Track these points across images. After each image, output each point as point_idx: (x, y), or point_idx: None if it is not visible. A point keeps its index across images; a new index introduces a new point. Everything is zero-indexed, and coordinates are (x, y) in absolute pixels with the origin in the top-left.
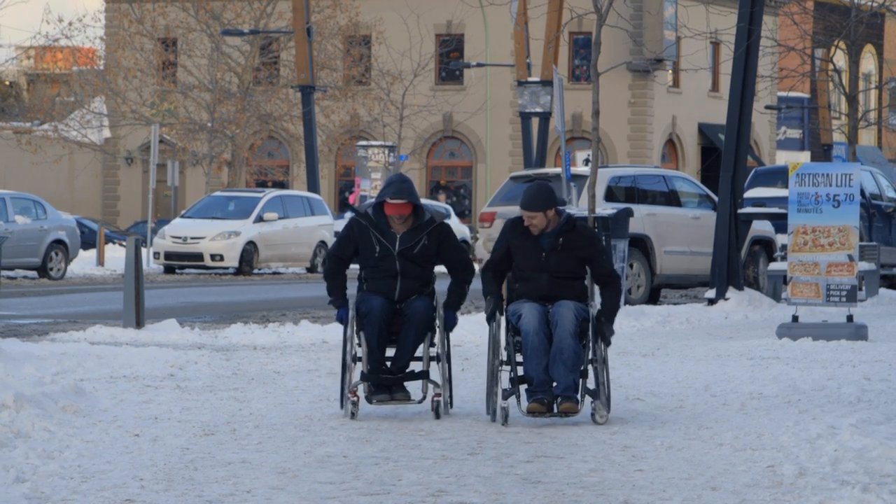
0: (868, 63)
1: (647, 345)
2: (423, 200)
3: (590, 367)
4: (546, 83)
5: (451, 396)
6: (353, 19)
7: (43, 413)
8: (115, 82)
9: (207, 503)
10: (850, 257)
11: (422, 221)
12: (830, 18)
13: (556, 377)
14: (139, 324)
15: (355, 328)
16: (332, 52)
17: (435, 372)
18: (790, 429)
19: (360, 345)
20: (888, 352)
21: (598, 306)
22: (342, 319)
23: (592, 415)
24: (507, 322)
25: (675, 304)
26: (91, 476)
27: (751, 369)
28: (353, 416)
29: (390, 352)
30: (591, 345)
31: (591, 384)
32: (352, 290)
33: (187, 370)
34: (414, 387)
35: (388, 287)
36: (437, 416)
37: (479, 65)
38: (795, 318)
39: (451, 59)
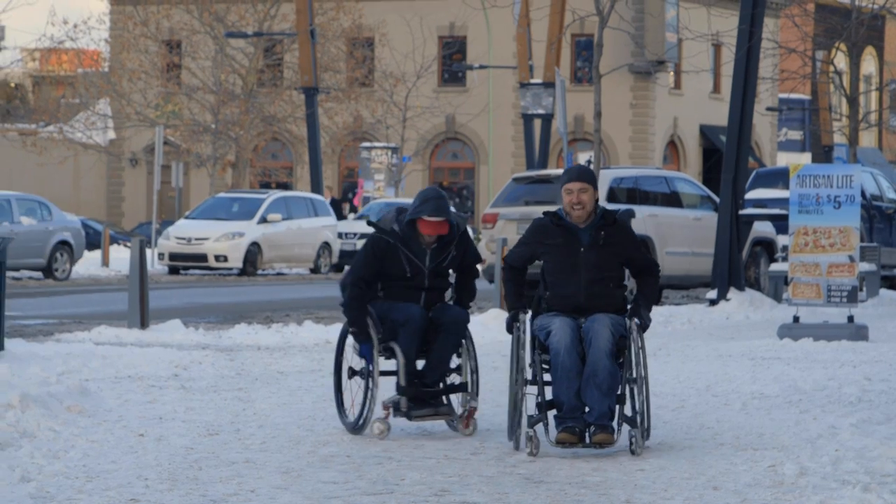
0: (869, 65)
1: (649, 345)
2: None
3: (628, 389)
4: (548, 85)
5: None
6: (357, 21)
7: (48, 413)
8: (119, 84)
9: (212, 503)
10: (851, 258)
11: (452, 235)
12: (831, 20)
13: (589, 402)
14: (144, 324)
15: (379, 337)
16: (335, 54)
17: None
18: (791, 429)
19: (387, 357)
20: (889, 352)
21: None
22: (365, 356)
23: (631, 447)
24: (534, 338)
25: (676, 304)
26: (96, 476)
27: (752, 369)
28: (382, 435)
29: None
30: (630, 363)
31: (627, 410)
32: None
33: (191, 370)
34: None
35: (413, 299)
36: (473, 432)
37: (481, 67)
38: (796, 319)
39: (453, 61)
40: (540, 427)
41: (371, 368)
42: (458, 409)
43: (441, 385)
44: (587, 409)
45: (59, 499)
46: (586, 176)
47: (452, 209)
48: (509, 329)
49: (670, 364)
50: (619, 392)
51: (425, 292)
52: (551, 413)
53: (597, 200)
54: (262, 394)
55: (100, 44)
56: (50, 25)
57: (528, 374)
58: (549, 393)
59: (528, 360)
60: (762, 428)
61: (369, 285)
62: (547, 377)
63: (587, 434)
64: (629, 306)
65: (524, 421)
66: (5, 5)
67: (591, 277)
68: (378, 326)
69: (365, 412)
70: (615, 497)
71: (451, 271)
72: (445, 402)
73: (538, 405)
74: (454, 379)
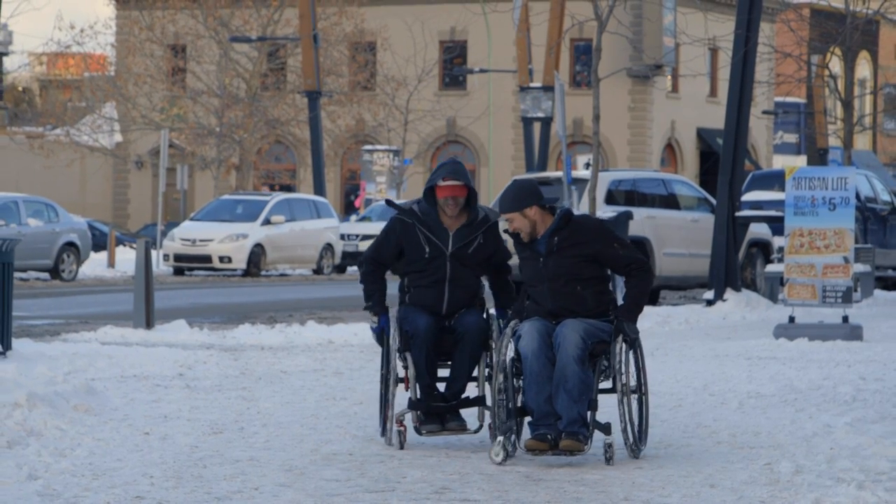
0: (863, 69)
1: (647, 345)
2: None
3: (625, 399)
4: (548, 89)
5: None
6: (359, 26)
7: (55, 412)
8: (125, 88)
9: (216, 500)
10: (846, 259)
11: (476, 217)
12: (826, 25)
13: (558, 409)
14: (149, 324)
15: (398, 347)
16: (337, 58)
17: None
18: (787, 427)
19: (405, 367)
20: (883, 352)
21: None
22: (379, 331)
23: (607, 456)
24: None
25: (673, 305)
26: (102, 473)
27: (748, 369)
28: (401, 446)
29: (443, 372)
30: (617, 366)
31: (602, 416)
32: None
33: (196, 370)
34: (469, 414)
35: (435, 297)
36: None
37: (481, 71)
38: (792, 319)
39: (454, 66)
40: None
41: (392, 347)
42: (478, 423)
43: (461, 399)
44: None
45: (66, 496)
46: (508, 206)
47: (486, 205)
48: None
49: (668, 364)
50: (592, 398)
51: (448, 287)
52: (527, 419)
53: (549, 209)
54: (266, 393)
55: (106, 48)
56: (57, 30)
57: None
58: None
59: (507, 364)
60: (758, 426)
61: (382, 266)
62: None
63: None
64: (613, 318)
65: (496, 426)
66: (13, 10)
67: (555, 284)
68: (397, 333)
69: (390, 413)
70: (614, 494)
71: (483, 277)
72: (458, 416)
73: (508, 412)
74: (471, 392)
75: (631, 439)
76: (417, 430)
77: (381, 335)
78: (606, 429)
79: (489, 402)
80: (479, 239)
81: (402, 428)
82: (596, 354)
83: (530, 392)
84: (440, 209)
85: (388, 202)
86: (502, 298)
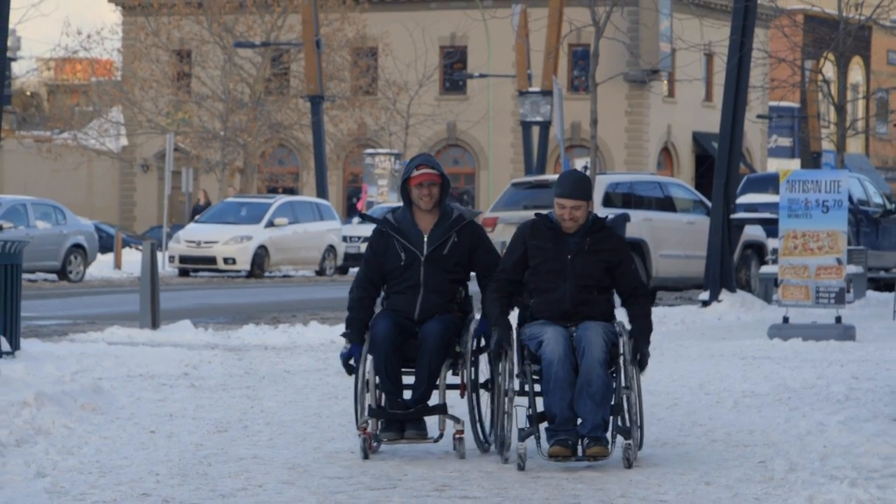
0: (856, 74)
1: None
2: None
3: (623, 398)
4: (546, 93)
5: (485, 434)
6: (361, 32)
7: (63, 410)
8: (131, 92)
9: (221, 497)
10: (839, 261)
11: (449, 214)
12: (819, 31)
13: (582, 414)
14: (155, 325)
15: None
16: (340, 63)
17: (462, 404)
18: (781, 426)
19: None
20: (875, 352)
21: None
22: (347, 358)
23: (626, 458)
24: (522, 347)
25: (670, 305)
26: (109, 471)
27: (743, 368)
28: (365, 456)
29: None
30: (624, 371)
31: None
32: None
33: (201, 369)
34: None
35: (408, 303)
36: (462, 455)
37: (481, 76)
38: (786, 320)
39: (454, 70)
40: (531, 440)
41: (358, 371)
42: (439, 431)
43: (419, 406)
44: (580, 421)
45: (73, 493)
46: (580, 192)
47: (464, 206)
48: (497, 352)
49: (664, 363)
50: (612, 402)
51: (422, 293)
52: (542, 425)
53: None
54: (270, 392)
55: (112, 53)
56: (64, 36)
57: (516, 385)
58: (539, 404)
59: (515, 370)
60: (753, 425)
61: (374, 287)
62: (537, 388)
63: (580, 446)
64: (629, 339)
65: (514, 434)
66: (21, 16)
67: (578, 284)
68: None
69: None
70: (611, 492)
71: (461, 287)
72: (418, 424)
73: (529, 417)
74: (437, 399)
75: (636, 435)
76: (377, 438)
77: (346, 362)
78: (627, 432)
79: (460, 408)
80: (453, 238)
81: (366, 435)
82: (612, 357)
83: (554, 397)
84: (415, 205)
85: (362, 216)
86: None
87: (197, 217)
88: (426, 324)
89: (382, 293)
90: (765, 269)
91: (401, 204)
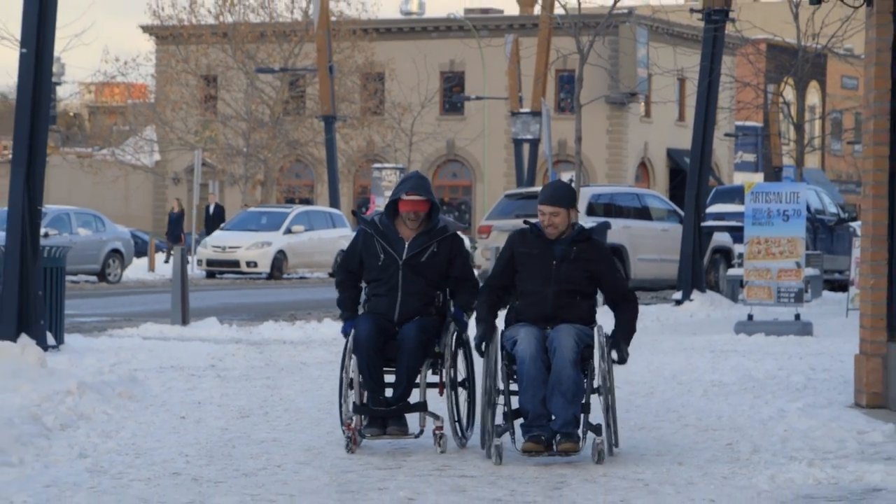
0: (813, 97)
1: None
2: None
3: (595, 396)
4: (536, 114)
5: (462, 429)
6: (369, 59)
7: (102, 398)
8: (164, 113)
9: (244, 476)
10: (798, 264)
11: (434, 226)
12: (781, 58)
13: (554, 411)
14: (185, 321)
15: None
16: (350, 86)
17: (442, 401)
18: (746, 412)
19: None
20: (830, 346)
21: (603, 329)
22: (347, 332)
23: (597, 453)
24: (502, 348)
25: (646, 304)
26: (143, 452)
27: (712, 361)
28: (350, 451)
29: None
30: (597, 371)
31: (593, 418)
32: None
33: (226, 361)
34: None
35: (388, 305)
36: (442, 450)
37: (477, 98)
38: (751, 317)
39: (453, 93)
40: (507, 436)
41: (346, 359)
42: (419, 427)
43: (400, 404)
44: (553, 418)
45: (112, 472)
46: (558, 200)
47: (450, 218)
48: (479, 347)
49: (641, 356)
50: (584, 400)
51: (400, 296)
52: (518, 421)
53: (573, 220)
54: (288, 382)
55: (147, 78)
56: (104, 62)
57: (500, 385)
58: (515, 402)
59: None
60: (721, 411)
61: (353, 273)
62: (514, 386)
63: (553, 442)
64: (608, 339)
65: (492, 430)
66: (65, 45)
67: (560, 290)
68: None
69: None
70: (594, 470)
71: (439, 291)
72: (399, 420)
73: (504, 414)
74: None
75: (610, 432)
76: (360, 433)
77: (347, 334)
78: (597, 429)
79: (440, 405)
80: (433, 247)
81: (350, 431)
82: (585, 358)
83: (527, 394)
84: (401, 221)
85: (355, 213)
86: (459, 297)
87: (222, 225)
88: (404, 326)
89: (364, 295)
90: (731, 271)
91: None
